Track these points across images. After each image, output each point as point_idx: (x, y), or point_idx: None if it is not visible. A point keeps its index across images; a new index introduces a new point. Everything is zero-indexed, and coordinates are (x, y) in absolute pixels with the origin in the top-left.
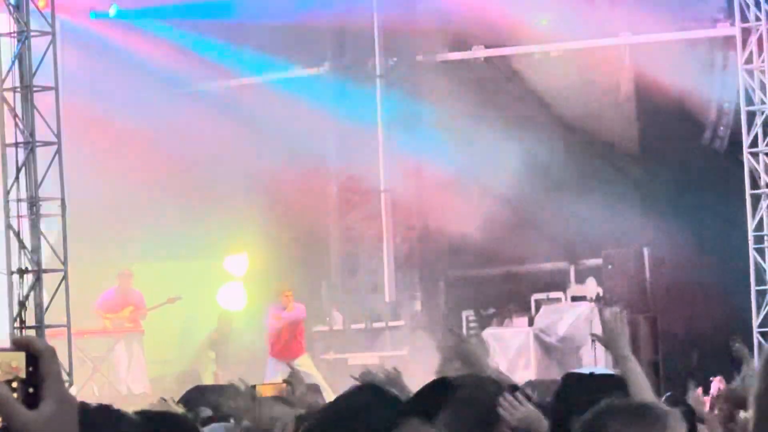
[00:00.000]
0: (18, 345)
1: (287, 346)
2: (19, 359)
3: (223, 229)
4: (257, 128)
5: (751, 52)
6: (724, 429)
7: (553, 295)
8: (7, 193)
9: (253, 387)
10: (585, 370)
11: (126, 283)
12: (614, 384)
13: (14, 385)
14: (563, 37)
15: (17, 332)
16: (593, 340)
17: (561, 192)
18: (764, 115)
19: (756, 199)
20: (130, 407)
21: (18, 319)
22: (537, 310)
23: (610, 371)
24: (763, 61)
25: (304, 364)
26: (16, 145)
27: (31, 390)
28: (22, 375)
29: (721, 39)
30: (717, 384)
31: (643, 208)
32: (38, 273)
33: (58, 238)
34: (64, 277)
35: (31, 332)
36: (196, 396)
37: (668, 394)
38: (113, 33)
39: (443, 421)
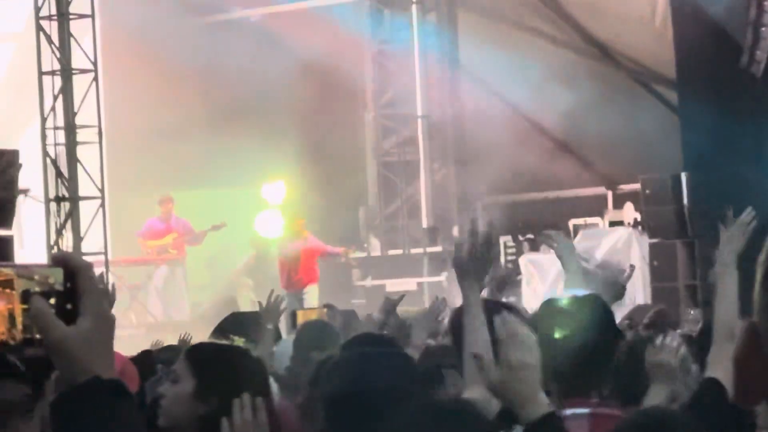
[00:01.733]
0: (56, 261)
1: (303, 277)
2: (56, 275)
3: (260, 156)
4: (294, 55)
5: None
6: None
7: (590, 220)
8: (44, 120)
9: (293, 313)
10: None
11: (167, 209)
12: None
13: (52, 301)
14: None
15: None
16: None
17: (598, 117)
18: None
19: None
20: (168, 335)
21: (56, 247)
22: (575, 235)
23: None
24: None
25: (311, 294)
26: (53, 73)
27: (69, 306)
28: (60, 289)
29: None
30: None
31: (680, 133)
32: (75, 201)
33: (95, 166)
34: (102, 205)
35: None
36: (233, 322)
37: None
38: None
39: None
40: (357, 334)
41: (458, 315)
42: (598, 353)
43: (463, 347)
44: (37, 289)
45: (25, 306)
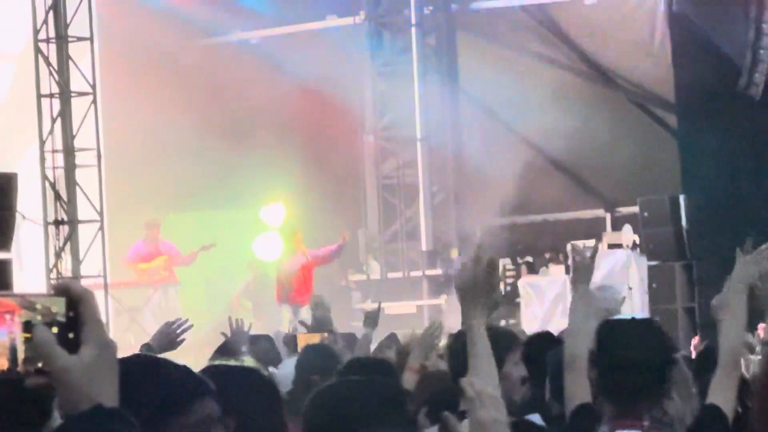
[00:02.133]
0: (58, 291)
1: (300, 291)
2: (59, 304)
3: (259, 178)
4: (293, 78)
5: None
6: None
7: (589, 242)
8: (42, 143)
9: (294, 337)
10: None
11: (154, 233)
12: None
13: (54, 329)
14: None
15: (54, 283)
16: (630, 288)
17: (597, 140)
18: None
19: None
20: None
21: (54, 270)
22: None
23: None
24: None
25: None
26: (51, 96)
27: (71, 335)
28: (62, 320)
29: None
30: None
31: (679, 156)
32: (74, 224)
33: (93, 189)
34: (101, 228)
35: None
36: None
37: (705, 342)
38: None
39: None
40: (352, 359)
41: (458, 339)
42: (654, 376)
43: (467, 372)
44: (39, 318)
45: (27, 335)
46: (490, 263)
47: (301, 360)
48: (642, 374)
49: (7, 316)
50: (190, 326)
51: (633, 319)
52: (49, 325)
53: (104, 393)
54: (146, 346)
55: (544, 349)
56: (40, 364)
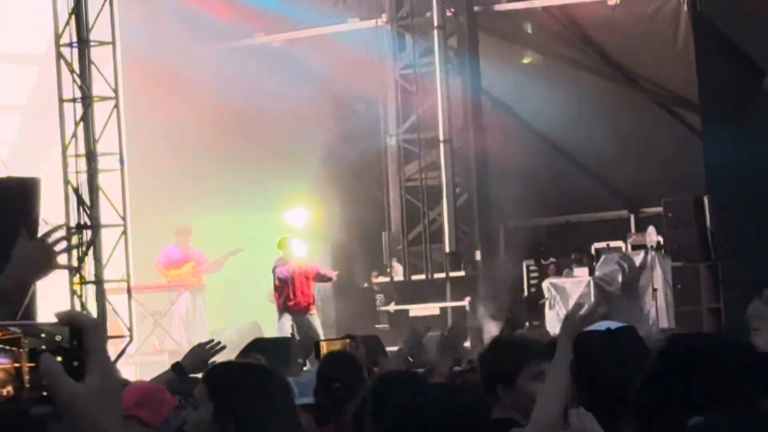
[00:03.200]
0: (62, 319)
1: (300, 300)
2: (63, 333)
3: (282, 182)
4: (316, 81)
5: None
6: None
7: (613, 243)
8: (65, 148)
9: (317, 343)
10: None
11: (185, 239)
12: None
13: (58, 358)
14: None
15: (77, 287)
16: (654, 289)
17: (620, 140)
18: None
19: None
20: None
21: (77, 275)
22: (597, 258)
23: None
24: None
25: (313, 317)
26: (74, 100)
27: (75, 363)
28: (67, 347)
29: None
30: None
31: (702, 156)
32: (97, 228)
33: (116, 193)
34: (124, 232)
35: (91, 287)
36: (256, 349)
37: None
38: None
39: None
40: (385, 372)
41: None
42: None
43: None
44: (44, 347)
45: (32, 364)
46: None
47: (322, 367)
48: (623, 390)
49: (14, 344)
50: (222, 348)
51: (609, 330)
52: (54, 353)
53: (109, 420)
54: (178, 366)
55: None
56: (45, 393)
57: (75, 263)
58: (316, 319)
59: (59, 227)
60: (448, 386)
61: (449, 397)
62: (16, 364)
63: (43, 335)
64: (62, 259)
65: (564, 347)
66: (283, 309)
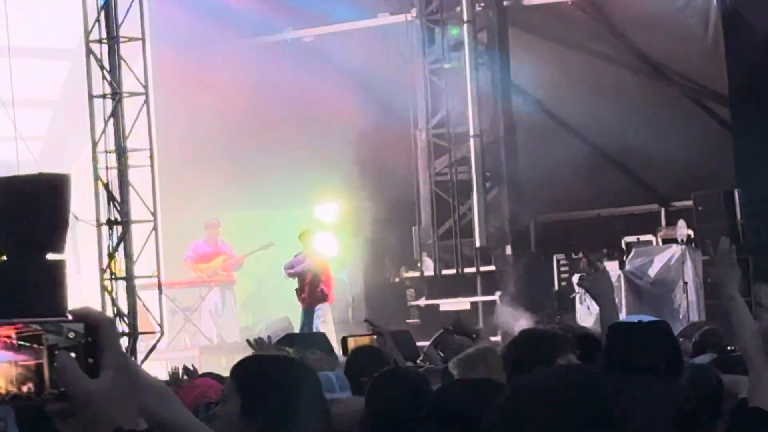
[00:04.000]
0: (76, 316)
1: (315, 293)
2: (78, 330)
3: (312, 177)
4: (345, 76)
5: None
6: None
7: (643, 237)
8: (95, 144)
9: (345, 339)
10: (633, 319)
11: (214, 233)
12: (661, 330)
13: (73, 354)
14: None
15: (107, 283)
16: (685, 282)
17: (650, 134)
18: None
19: None
20: (221, 356)
21: (108, 271)
22: (628, 252)
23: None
24: None
25: (326, 313)
26: (104, 96)
27: (90, 360)
28: (82, 343)
29: None
30: None
31: (733, 149)
32: (127, 224)
33: (146, 189)
34: (154, 228)
35: (121, 283)
36: (287, 344)
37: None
38: None
39: None
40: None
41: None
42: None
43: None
44: (64, 344)
45: (52, 361)
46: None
47: (350, 362)
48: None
49: (34, 341)
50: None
51: (646, 322)
52: (69, 350)
53: (125, 416)
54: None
55: (591, 351)
56: (62, 389)
57: (105, 260)
58: (327, 309)
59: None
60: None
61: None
62: (37, 361)
63: (63, 332)
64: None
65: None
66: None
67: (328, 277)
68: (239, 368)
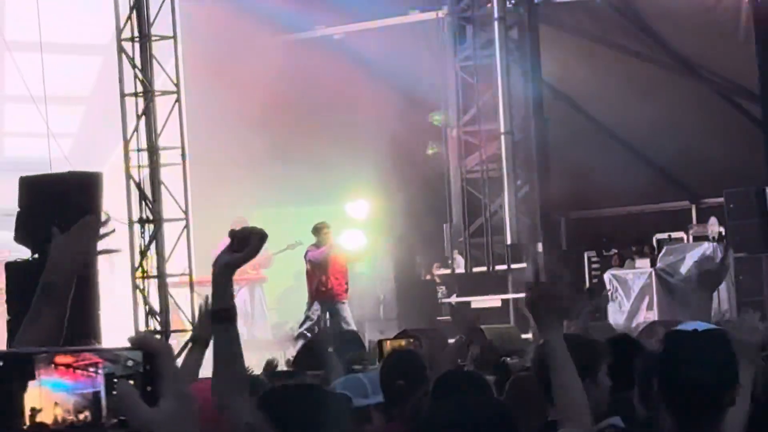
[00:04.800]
0: (134, 344)
1: (334, 286)
2: (136, 358)
3: (343, 174)
4: (376, 73)
5: None
6: None
7: (675, 234)
8: (126, 142)
9: (380, 342)
10: (688, 327)
11: None
12: (718, 339)
13: (132, 382)
14: None
15: (139, 282)
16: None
17: (681, 131)
18: None
19: None
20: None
21: (140, 269)
22: (659, 250)
23: (713, 326)
24: None
25: (344, 307)
26: (136, 95)
27: (149, 388)
28: (140, 371)
29: None
30: None
31: (764, 147)
32: (159, 222)
33: (178, 187)
34: (186, 226)
35: (153, 281)
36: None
37: None
38: None
39: None
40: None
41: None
42: (719, 396)
43: (552, 390)
44: (120, 372)
45: (110, 388)
46: (552, 277)
47: (385, 366)
48: (707, 393)
49: (91, 369)
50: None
51: (702, 330)
52: (127, 378)
53: None
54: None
55: (627, 353)
56: (122, 417)
57: (137, 258)
58: (347, 308)
59: (91, 216)
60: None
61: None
62: (94, 390)
63: (120, 360)
64: (104, 244)
65: (705, 303)
66: (314, 296)
67: (337, 270)
68: (270, 400)
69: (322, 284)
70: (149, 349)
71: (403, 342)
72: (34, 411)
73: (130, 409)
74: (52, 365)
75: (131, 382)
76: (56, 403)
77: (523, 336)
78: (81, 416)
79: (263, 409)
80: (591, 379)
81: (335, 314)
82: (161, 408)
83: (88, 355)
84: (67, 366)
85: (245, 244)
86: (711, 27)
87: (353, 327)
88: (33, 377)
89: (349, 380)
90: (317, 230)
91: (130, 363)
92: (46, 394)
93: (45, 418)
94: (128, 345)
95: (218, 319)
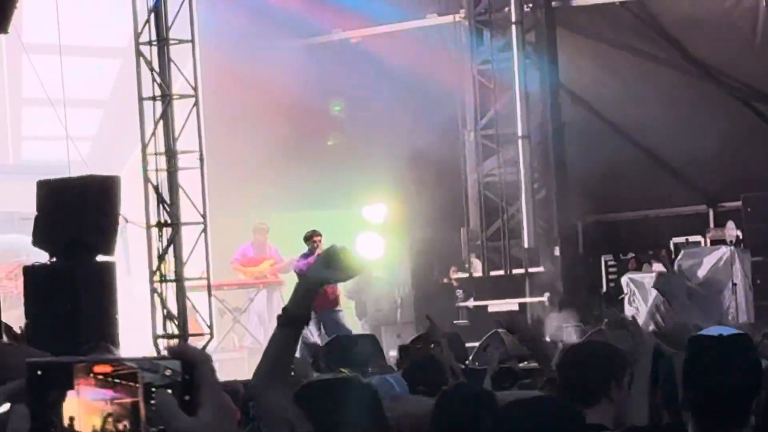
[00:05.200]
0: (173, 353)
1: (329, 293)
2: (174, 367)
3: (360, 178)
4: (394, 76)
5: None
6: None
7: (692, 238)
8: (144, 146)
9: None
10: (712, 332)
11: (262, 237)
12: (743, 345)
13: (170, 392)
14: None
15: (157, 285)
16: (734, 284)
17: (698, 135)
18: None
19: None
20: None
21: (157, 273)
22: (676, 253)
23: (737, 331)
24: None
25: (339, 314)
26: (154, 98)
27: (187, 397)
28: (178, 380)
29: None
30: None
31: None
32: (177, 226)
33: (196, 191)
34: (204, 230)
35: (171, 285)
36: (334, 345)
37: None
38: None
39: None
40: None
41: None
42: (743, 401)
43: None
44: (160, 381)
45: (148, 398)
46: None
47: (408, 370)
48: (731, 399)
49: (130, 378)
50: None
51: (727, 336)
52: (166, 387)
53: None
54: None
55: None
56: (161, 427)
57: (155, 262)
58: (340, 316)
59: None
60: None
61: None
62: (133, 399)
63: (158, 370)
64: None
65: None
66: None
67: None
68: (307, 395)
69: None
70: (188, 358)
71: (424, 347)
72: (72, 420)
73: (168, 419)
74: (91, 374)
75: (170, 391)
76: (95, 413)
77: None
78: (120, 426)
79: (300, 402)
80: (616, 385)
81: (329, 324)
82: (201, 418)
83: (126, 365)
84: (106, 375)
85: (338, 263)
86: (728, 31)
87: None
88: (71, 387)
89: (376, 381)
90: (307, 238)
91: (168, 372)
92: (85, 404)
93: (83, 427)
94: (166, 354)
95: (295, 324)
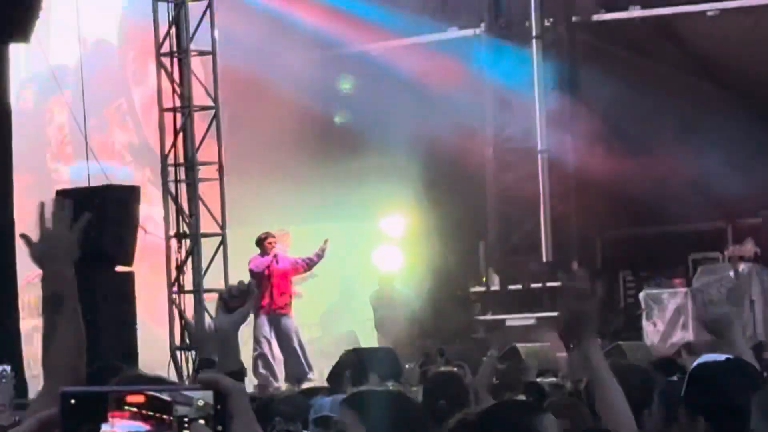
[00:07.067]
0: (205, 384)
1: (278, 298)
2: (207, 398)
3: (379, 190)
4: (413, 90)
5: None
6: None
7: (710, 254)
8: (164, 157)
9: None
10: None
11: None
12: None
13: (202, 422)
14: None
15: (175, 296)
16: (752, 300)
17: (718, 151)
18: None
19: None
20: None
21: (176, 284)
22: (694, 270)
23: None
24: None
25: (291, 320)
26: (174, 110)
27: (219, 428)
28: (211, 413)
29: None
30: None
31: None
32: (196, 237)
33: (215, 203)
34: (222, 242)
35: (189, 296)
36: (352, 358)
37: None
38: None
39: None
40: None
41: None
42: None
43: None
44: (193, 414)
45: (182, 430)
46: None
47: (428, 386)
48: (732, 421)
49: (164, 411)
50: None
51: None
52: (199, 419)
53: None
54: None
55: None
56: None
57: (174, 273)
58: (292, 322)
59: (46, 205)
60: None
61: None
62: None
63: (191, 401)
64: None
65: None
66: (258, 310)
67: (293, 258)
68: (360, 400)
69: (263, 297)
70: (221, 389)
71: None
72: None
73: None
74: (125, 406)
75: (202, 421)
76: None
77: (559, 354)
78: None
79: (352, 407)
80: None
81: (281, 330)
82: None
83: (160, 397)
84: (139, 406)
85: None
86: (750, 47)
87: (301, 341)
88: (105, 419)
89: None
90: (260, 241)
91: (201, 403)
92: None
93: None
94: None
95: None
